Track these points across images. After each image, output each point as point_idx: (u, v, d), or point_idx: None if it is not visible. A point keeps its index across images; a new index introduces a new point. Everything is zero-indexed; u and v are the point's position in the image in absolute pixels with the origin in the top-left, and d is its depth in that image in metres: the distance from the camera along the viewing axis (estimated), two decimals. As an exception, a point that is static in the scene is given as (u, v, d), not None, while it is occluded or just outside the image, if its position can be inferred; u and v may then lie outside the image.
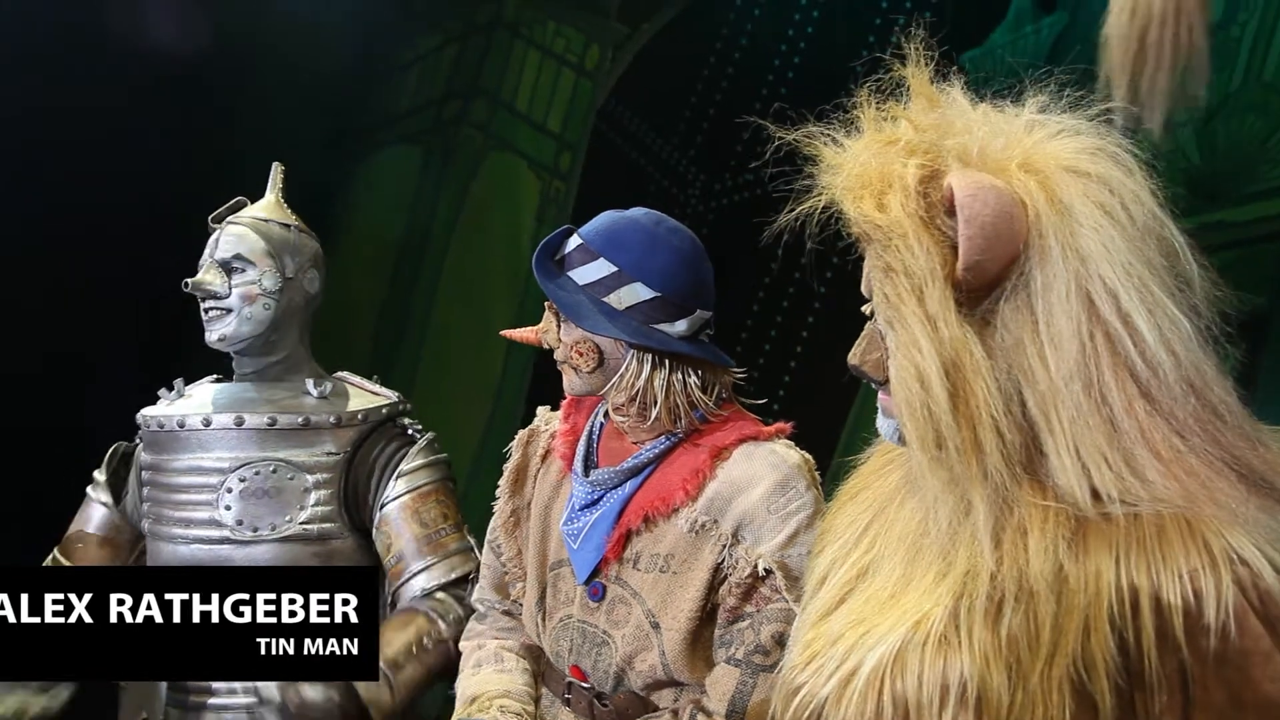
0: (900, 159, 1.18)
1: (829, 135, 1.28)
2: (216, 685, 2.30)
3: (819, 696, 1.21)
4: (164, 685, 2.26)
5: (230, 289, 2.33)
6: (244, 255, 2.34)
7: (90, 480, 2.54)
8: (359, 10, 4.57)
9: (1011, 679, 1.09)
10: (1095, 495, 1.10)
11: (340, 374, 2.54)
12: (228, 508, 2.30)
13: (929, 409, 1.12)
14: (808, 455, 1.76)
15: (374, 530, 2.38)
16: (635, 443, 1.79)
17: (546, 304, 1.81)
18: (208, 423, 2.32)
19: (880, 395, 1.30)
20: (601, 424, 1.88)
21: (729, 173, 3.86)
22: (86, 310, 3.75)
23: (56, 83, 3.67)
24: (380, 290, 5.10)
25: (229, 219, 2.41)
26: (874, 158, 1.20)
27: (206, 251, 2.38)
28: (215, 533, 2.30)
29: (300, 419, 2.34)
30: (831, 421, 3.22)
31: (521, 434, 2.01)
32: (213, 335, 2.34)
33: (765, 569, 1.64)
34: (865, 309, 1.28)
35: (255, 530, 2.30)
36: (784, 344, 3.56)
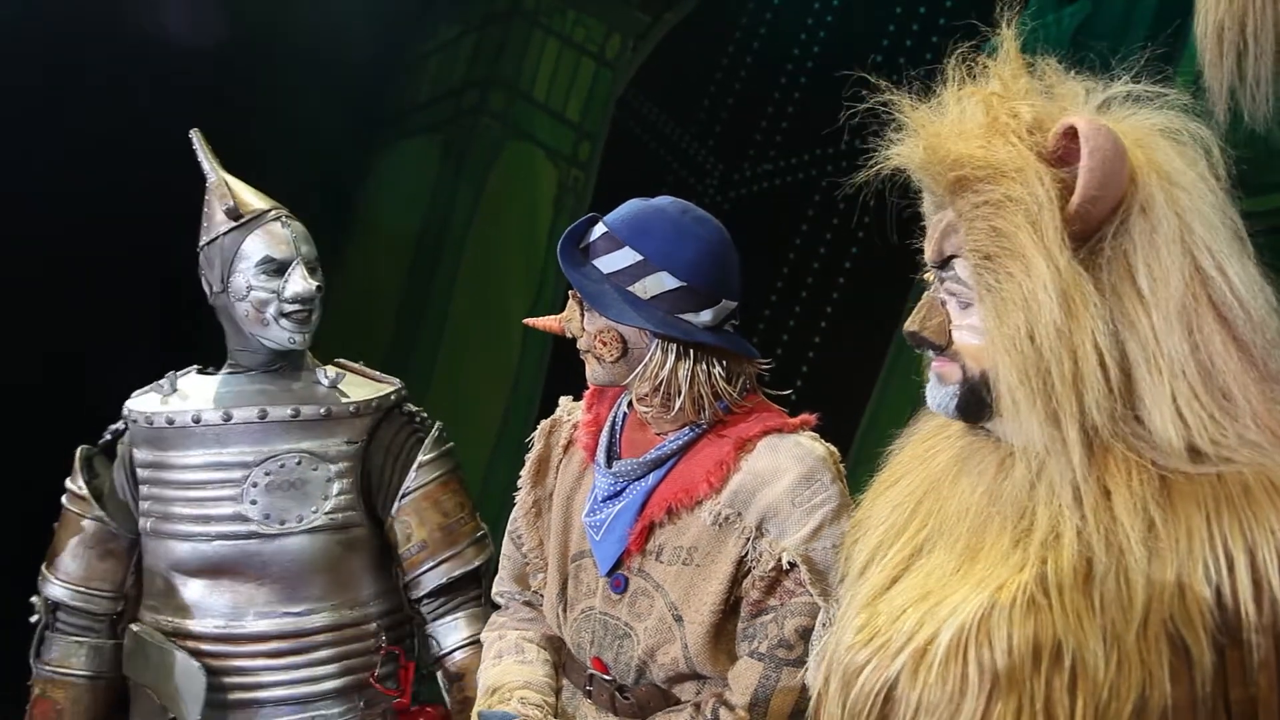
0: (1008, 103, 1.22)
1: (907, 101, 1.31)
2: (264, 679, 2.31)
3: (888, 673, 1.21)
4: (201, 685, 2.25)
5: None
6: (317, 255, 2.36)
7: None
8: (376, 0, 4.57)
9: (1107, 641, 1.09)
10: (1190, 445, 1.12)
11: (338, 361, 2.53)
12: (253, 502, 2.29)
13: (1036, 340, 1.13)
14: (833, 448, 1.76)
15: (390, 519, 2.40)
16: (659, 434, 1.78)
17: (571, 292, 1.79)
18: (228, 417, 2.30)
19: (937, 363, 1.31)
20: (624, 414, 1.87)
21: (747, 162, 3.84)
22: (102, 303, 3.76)
23: (72, 75, 3.68)
24: (398, 280, 5.11)
25: (284, 217, 2.36)
26: (976, 105, 1.24)
27: (282, 248, 2.32)
28: (241, 527, 2.30)
29: (323, 410, 2.34)
30: (850, 411, 3.21)
31: (544, 424, 2.01)
32: (300, 337, 2.33)
33: (789, 562, 1.64)
34: (927, 276, 1.31)
35: (283, 523, 2.30)
36: (801, 334, 3.55)
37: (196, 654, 2.29)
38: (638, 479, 1.77)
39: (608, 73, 4.51)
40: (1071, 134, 1.16)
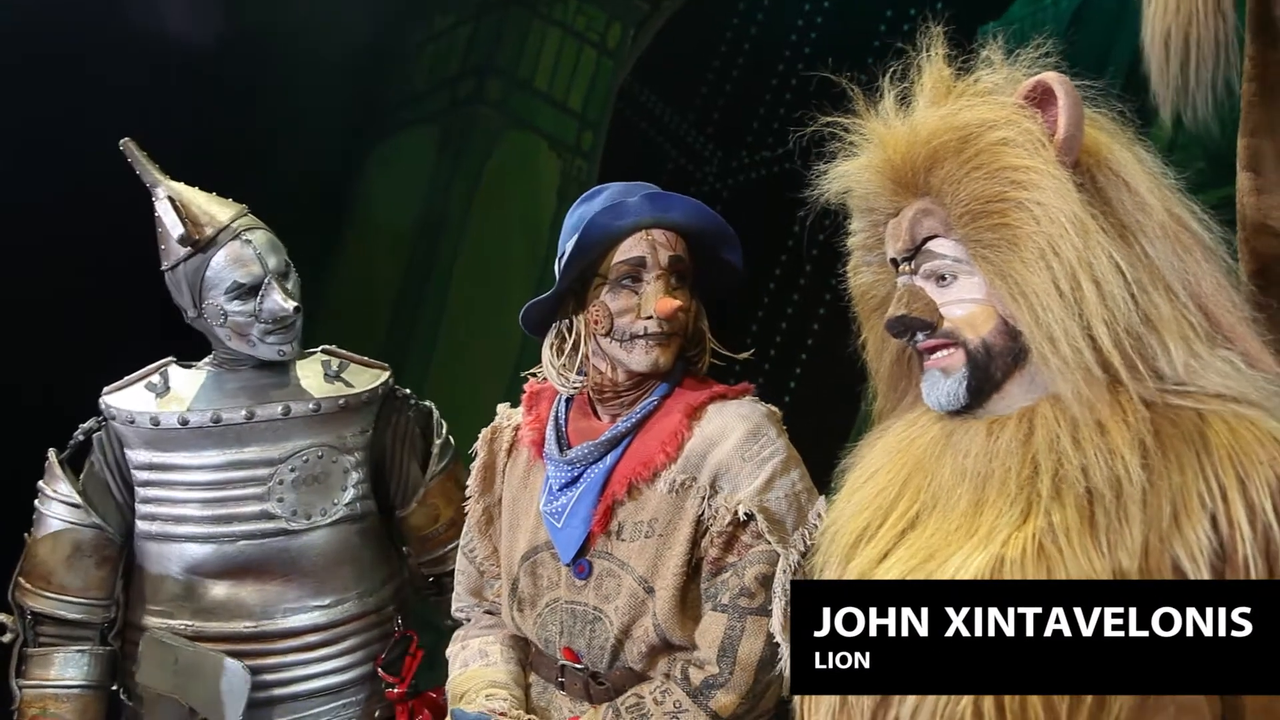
0: (962, 81, 1.36)
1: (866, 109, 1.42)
2: (298, 673, 2.32)
3: None
4: (245, 685, 2.22)
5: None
6: (287, 260, 2.29)
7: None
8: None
9: (1116, 577, 1.15)
10: (1185, 364, 1.21)
11: (327, 348, 2.49)
12: (280, 499, 2.27)
13: (1062, 257, 1.21)
14: (774, 408, 1.81)
15: (414, 504, 2.44)
16: (614, 416, 1.82)
17: (661, 273, 1.75)
18: (251, 415, 2.25)
19: (934, 359, 1.35)
20: (565, 410, 1.90)
21: (745, 150, 3.84)
22: (100, 301, 3.75)
23: (72, 70, 3.67)
24: (397, 271, 5.10)
25: (243, 231, 2.25)
26: (931, 89, 1.38)
27: (249, 268, 2.22)
28: (269, 525, 2.28)
29: (340, 401, 2.33)
30: (849, 396, 3.21)
31: (485, 432, 2.02)
32: (288, 348, 2.27)
33: (746, 514, 1.66)
34: (902, 267, 1.37)
35: (309, 517, 2.31)
36: (800, 319, 3.55)
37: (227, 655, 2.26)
38: (595, 461, 1.78)
39: (609, 62, 4.50)
40: (1040, 87, 1.27)
